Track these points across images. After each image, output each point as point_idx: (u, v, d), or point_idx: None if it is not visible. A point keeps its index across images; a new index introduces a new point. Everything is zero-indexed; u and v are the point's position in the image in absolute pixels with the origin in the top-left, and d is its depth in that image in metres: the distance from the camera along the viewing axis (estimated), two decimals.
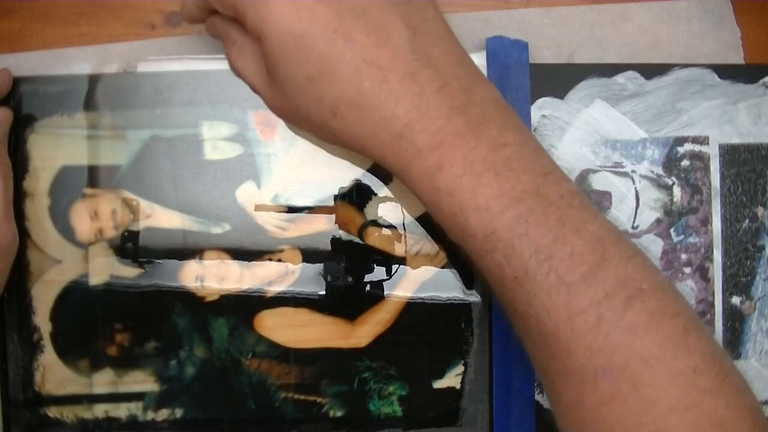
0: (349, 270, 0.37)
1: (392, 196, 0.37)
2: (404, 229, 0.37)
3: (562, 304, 0.26)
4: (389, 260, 0.37)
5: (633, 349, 0.25)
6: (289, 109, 0.30)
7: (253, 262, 0.37)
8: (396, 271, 0.37)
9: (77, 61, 0.37)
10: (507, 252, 0.26)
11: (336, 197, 0.37)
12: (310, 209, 0.37)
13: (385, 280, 0.37)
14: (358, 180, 0.37)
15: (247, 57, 0.31)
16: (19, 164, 0.36)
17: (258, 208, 0.36)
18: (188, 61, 0.37)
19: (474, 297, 0.37)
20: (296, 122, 0.32)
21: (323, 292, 0.37)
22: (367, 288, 0.37)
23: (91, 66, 0.37)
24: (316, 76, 0.27)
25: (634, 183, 0.37)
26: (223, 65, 0.36)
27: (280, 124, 0.37)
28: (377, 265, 0.37)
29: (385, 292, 0.37)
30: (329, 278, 0.37)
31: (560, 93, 0.37)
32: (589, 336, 0.26)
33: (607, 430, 0.26)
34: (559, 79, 0.37)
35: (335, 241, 0.37)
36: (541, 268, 0.26)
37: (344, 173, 0.37)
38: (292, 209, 0.37)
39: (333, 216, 0.37)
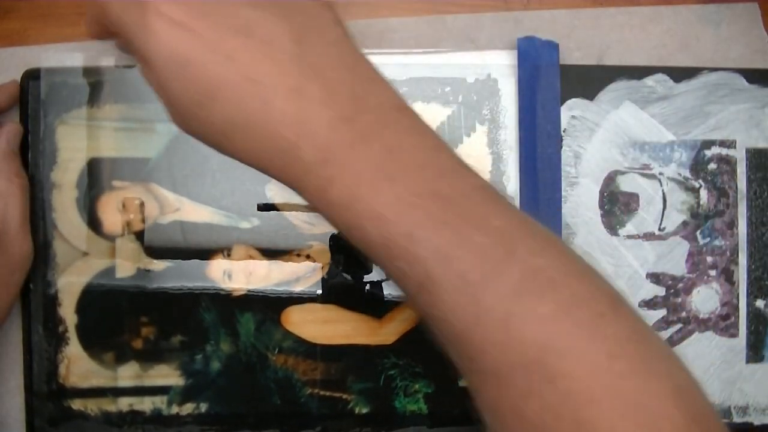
0: (347, 269, 0.37)
1: None
2: None
3: (469, 305, 0.25)
4: None
5: (545, 342, 0.25)
6: (188, 130, 0.29)
7: (281, 258, 0.37)
8: None
9: (104, 54, 0.37)
10: (408, 259, 0.26)
11: None
12: None
13: (384, 280, 0.37)
14: None
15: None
16: (48, 156, 0.36)
17: (282, 207, 0.36)
18: None
19: None
20: (199, 140, 0.31)
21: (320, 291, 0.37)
22: (367, 287, 0.37)
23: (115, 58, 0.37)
24: (204, 101, 0.27)
25: (661, 185, 0.37)
26: None
27: None
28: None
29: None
30: (325, 276, 0.37)
31: (590, 94, 0.37)
32: (500, 333, 0.25)
33: (528, 425, 0.25)
34: (589, 81, 0.37)
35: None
36: (443, 272, 0.25)
37: None
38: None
39: None
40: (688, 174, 0.38)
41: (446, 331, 0.27)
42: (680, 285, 0.37)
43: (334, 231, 0.37)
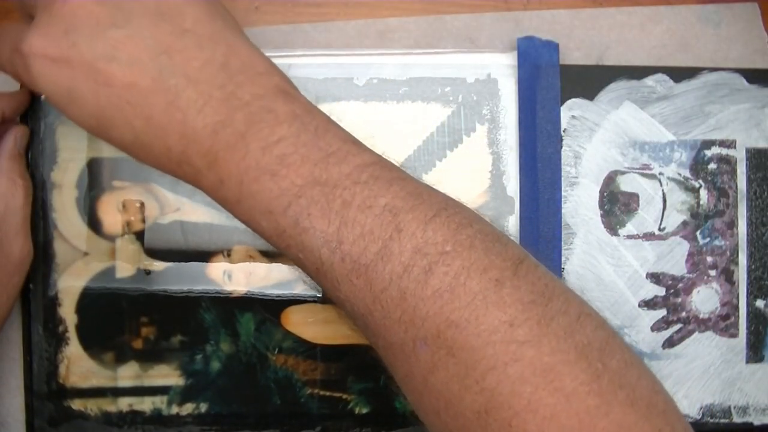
0: None
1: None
2: None
3: (365, 286, 0.26)
4: None
5: (442, 316, 0.25)
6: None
7: (281, 259, 0.37)
8: None
9: None
10: (300, 248, 0.27)
11: None
12: None
13: None
14: None
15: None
16: (48, 156, 0.36)
17: None
18: None
19: None
20: None
21: (320, 294, 0.37)
22: None
23: None
24: (99, 126, 0.28)
25: (661, 185, 0.37)
26: None
27: None
28: None
29: None
30: None
31: (590, 94, 0.37)
32: (398, 311, 0.26)
33: (437, 395, 0.26)
34: (589, 81, 0.37)
35: None
36: (334, 257, 0.26)
37: None
38: None
39: None
40: (688, 174, 0.38)
41: (350, 311, 0.27)
42: (680, 285, 0.38)
43: None
